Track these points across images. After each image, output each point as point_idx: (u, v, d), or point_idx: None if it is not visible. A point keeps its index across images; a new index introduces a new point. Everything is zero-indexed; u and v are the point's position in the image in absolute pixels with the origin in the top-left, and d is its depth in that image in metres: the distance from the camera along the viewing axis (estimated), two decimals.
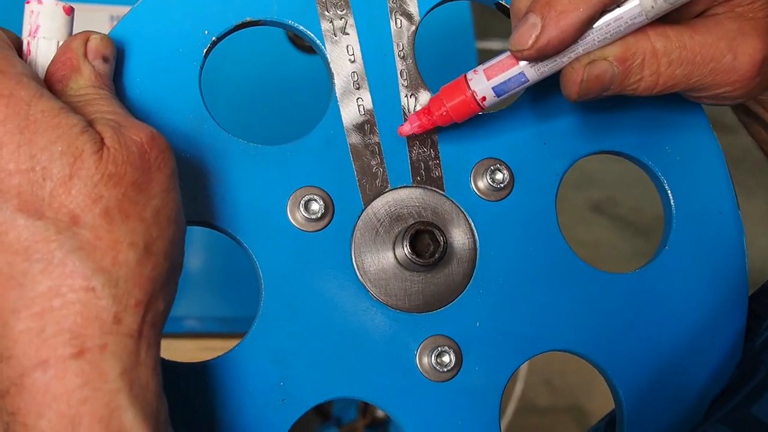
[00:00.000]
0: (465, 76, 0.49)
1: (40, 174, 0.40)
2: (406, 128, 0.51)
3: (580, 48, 0.47)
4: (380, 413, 1.42)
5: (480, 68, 0.49)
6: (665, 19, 0.47)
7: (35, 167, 0.40)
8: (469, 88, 0.49)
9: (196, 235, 1.07)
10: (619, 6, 0.45)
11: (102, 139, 0.42)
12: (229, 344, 0.51)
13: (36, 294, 0.40)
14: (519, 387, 1.65)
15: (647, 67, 0.47)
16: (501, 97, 0.49)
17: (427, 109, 0.50)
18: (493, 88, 0.48)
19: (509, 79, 0.48)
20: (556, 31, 0.45)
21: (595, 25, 0.46)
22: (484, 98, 0.48)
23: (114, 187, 0.41)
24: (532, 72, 0.48)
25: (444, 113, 0.50)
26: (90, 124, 0.42)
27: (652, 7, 0.45)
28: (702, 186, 0.56)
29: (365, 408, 1.41)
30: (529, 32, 0.46)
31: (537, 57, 0.47)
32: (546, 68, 0.47)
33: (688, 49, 0.47)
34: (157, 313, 0.42)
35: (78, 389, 0.39)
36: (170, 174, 0.44)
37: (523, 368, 1.62)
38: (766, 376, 0.47)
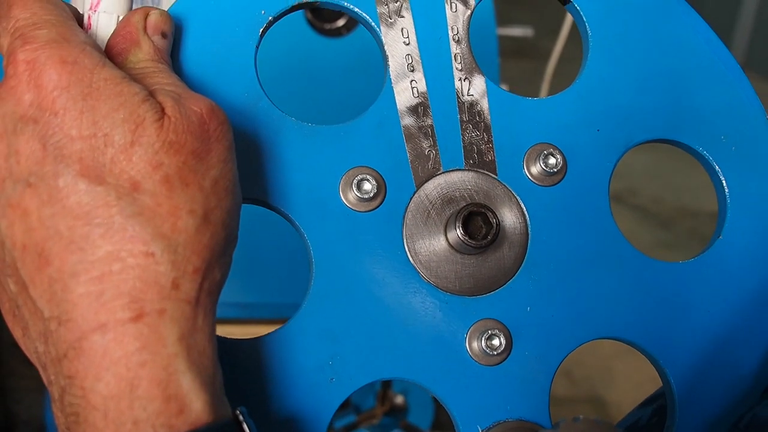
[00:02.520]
0: None
1: (101, 140, 0.41)
2: None
3: None
4: (399, 400, 1.42)
5: None
6: None
7: (97, 134, 0.41)
8: None
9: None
10: None
11: (163, 109, 0.42)
12: (250, 330, 0.51)
13: (96, 258, 0.40)
14: None
15: None
16: None
17: None
18: None
19: None
20: None
21: None
22: None
23: (174, 155, 0.42)
24: None
25: None
26: (151, 94, 0.43)
27: None
28: (757, 176, 0.56)
29: (384, 395, 1.41)
30: None
31: None
32: None
33: None
34: (213, 282, 0.43)
35: (137, 352, 0.40)
36: (228, 146, 0.44)
37: None
38: None
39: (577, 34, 0.59)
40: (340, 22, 1.11)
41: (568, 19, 1.53)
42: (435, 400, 1.55)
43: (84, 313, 0.40)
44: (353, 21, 1.10)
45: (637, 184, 3.34)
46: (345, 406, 1.46)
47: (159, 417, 0.39)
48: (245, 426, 0.42)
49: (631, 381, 2.29)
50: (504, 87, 1.22)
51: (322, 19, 1.11)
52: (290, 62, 1.10)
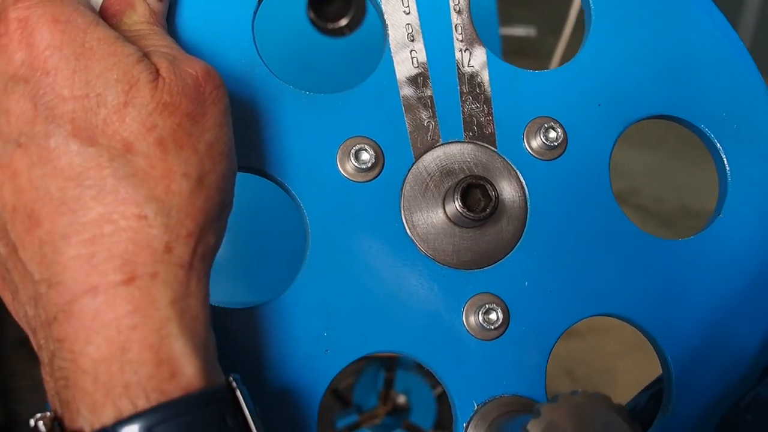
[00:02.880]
0: None
1: (94, 101, 0.40)
2: None
3: None
4: (401, 400, 1.42)
5: None
6: None
7: (89, 94, 0.40)
8: None
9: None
10: None
11: (157, 70, 0.42)
12: None
13: (87, 220, 0.39)
14: None
15: None
16: None
17: None
18: None
19: None
20: None
21: None
22: None
23: (169, 116, 0.41)
24: None
25: None
26: (145, 56, 0.42)
27: None
28: (759, 155, 0.55)
29: (386, 395, 1.40)
30: None
31: None
32: None
33: None
34: (207, 247, 0.42)
35: (128, 315, 0.39)
36: (224, 109, 0.44)
37: None
38: None
39: (579, 33, 0.58)
40: (343, 22, 1.10)
41: (571, 18, 1.52)
42: (437, 400, 1.55)
43: (74, 275, 0.39)
44: (356, 20, 1.10)
45: (639, 184, 3.34)
46: (347, 405, 1.46)
47: (150, 381, 0.39)
48: (238, 393, 0.41)
49: (633, 380, 2.30)
50: (521, 29, 1.22)
51: (324, 18, 1.10)
52: (292, 61, 1.10)
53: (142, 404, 0.38)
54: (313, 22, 1.11)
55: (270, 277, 1.08)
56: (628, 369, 2.31)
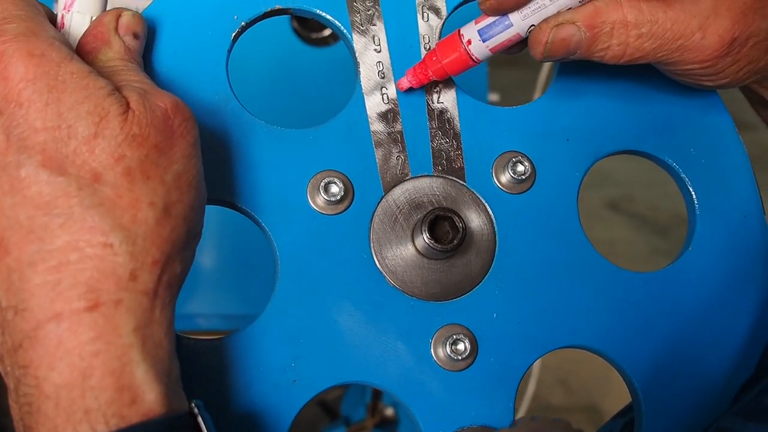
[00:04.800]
0: (458, 29, 0.50)
1: (65, 132, 0.41)
2: (404, 82, 0.53)
3: (552, 6, 0.48)
4: (389, 412, 1.41)
5: (473, 20, 0.51)
6: None
7: (61, 125, 0.41)
8: (461, 36, 0.50)
9: (207, 235, 1.08)
10: None
11: (128, 103, 0.43)
12: None
13: (54, 248, 0.40)
14: (532, 386, 1.64)
15: (616, 37, 0.49)
16: (487, 42, 0.50)
17: (422, 63, 0.51)
18: (478, 31, 0.50)
19: (494, 22, 0.49)
20: None
21: None
22: (469, 41, 0.50)
23: (137, 147, 0.42)
24: (517, 18, 0.49)
25: (438, 65, 0.51)
26: (117, 89, 0.43)
27: None
28: (726, 189, 0.56)
29: (374, 407, 1.40)
30: None
31: (498, 8, 0.49)
32: (531, 12, 0.49)
33: (659, 24, 0.48)
34: (173, 275, 0.43)
35: (91, 342, 0.40)
36: (192, 142, 0.45)
37: (536, 367, 1.62)
38: None
39: None
40: (327, 32, 1.12)
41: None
42: None
43: (40, 302, 0.40)
44: None
45: (634, 192, 3.37)
46: (335, 417, 1.46)
47: (111, 407, 0.39)
48: (200, 419, 0.42)
49: (627, 391, 2.30)
50: (495, 96, 1.23)
51: (308, 28, 1.12)
52: (276, 71, 1.11)
53: (102, 429, 0.39)
54: (296, 32, 1.13)
55: (254, 288, 1.10)
56: (622, 380, 2.31)
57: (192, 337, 0.49)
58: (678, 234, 3.26)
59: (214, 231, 1.10)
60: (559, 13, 0.48)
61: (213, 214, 1.02)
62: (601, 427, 0.62)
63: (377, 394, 1.41)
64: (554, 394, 2.44)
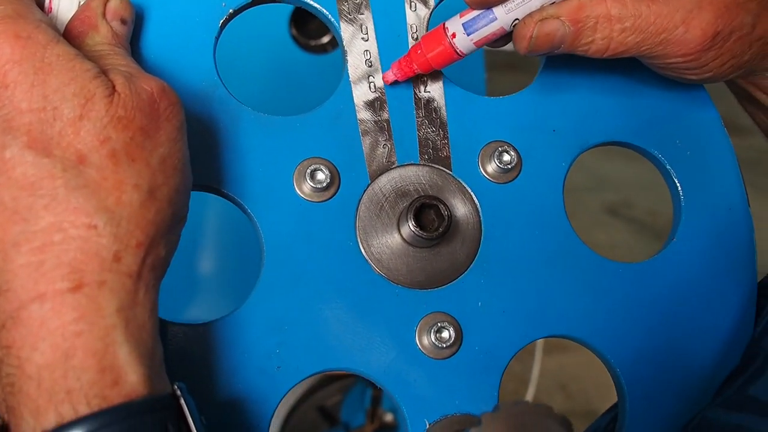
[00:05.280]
0: (443, 23, 0.51)
1: (51, 113, 0.41)
2: (389, 75, 0.53)
3: (536, 1, 0.49)
4: (388, 418, 1.41)
5: (458, 14, 0.51)
6: None
7: (47, 107, 0.41)
8: (445, 29, 0.50)
9: (207, 238, 1.08)
10: None
11: (114, 86, 0.43)
12: None
13: (38, 228, 0.40)
14: (532, 391, 1.65)
15: (599, 31, 0.49)
16: (471, 35, 0.50)
17: (407, 56, 0.52)
18: (463, 24, 0.50)
19: (478, 15, 0.50)
20: None
21: None
22: (454, 34, 0.50)
23: (122, 130, 0.42)
24: (501, 11, 0.49)
25: (423, 58, 0.51)
26: (104, 73, 0.44)
27: None
28: (712, 181, 0.56)
29: (373, 413, 1.40)
30: None
31: (482, 2, 0.49)
32: (515, 6, 0.49)
33: (642, 18, 0.48)
34: (157, 258, 0.43)
35: (73, 322, 0.40)
36: (178, 125, 0.45)
37: (536, 372, 1.62)
38: (764, 361, 0.47)
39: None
40: (325, 39, 1.12)
41: None
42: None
43: (24, 282, 0.40)
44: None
45: (632, 196, 3.37)
46: (334, 423, 1.46)
47: (93, 387, 0.39)
48: (182, 401, 0.42)
49: None
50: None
51: (306, 35, 1.12)
52: (274, 78, 1.11)
53: (83, 410, 0.39)
54: (295, 39, 1.13)
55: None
56: None
57: (179, 322, 0.49)
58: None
59: (214, 236, 1.10)
60: (543, 8, 0.49)
61: (213, 221, 1.02)
62: (589, 425, 0.63)
63: (376, 400, 1.41)
64: (554, 399, 2.45)
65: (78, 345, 0.40)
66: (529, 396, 1.65)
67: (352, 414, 1.45)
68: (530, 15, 0.49)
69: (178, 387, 0.42)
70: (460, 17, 0.50)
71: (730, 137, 0.58)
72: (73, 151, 0.41)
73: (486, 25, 0.49)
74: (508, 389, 2.40)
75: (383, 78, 0.53)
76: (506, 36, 0.50)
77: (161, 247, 0.44)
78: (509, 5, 0.49)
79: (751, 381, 0.46)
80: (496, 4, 0.49)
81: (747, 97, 0.58)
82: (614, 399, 0.54)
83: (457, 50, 0.50)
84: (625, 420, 0.53)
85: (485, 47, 0.52)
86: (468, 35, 0.50)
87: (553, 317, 0.54)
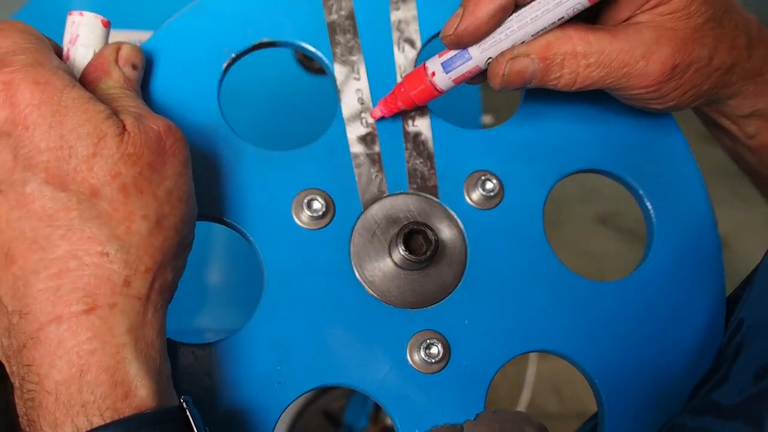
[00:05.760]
0: (424, 63, 0.53)
1: (67, 152, 0.43)
2: (376, 112, 0.55)
3: (507, 41, 0.50)
4: (390, 421, 1.43)
5: (437, 54, 0.53)
6: (591, 23, 0.51)
7: (63, 146, 0.43)
8: (426, 69, 0.52)
9: (217, 253, 1.10)
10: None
11: (124, 125, 0.45)
12: None
13: (55, 256, 0.42)
14: (527, 395, 1.65)
15: (567, 66, 0.51)
16: (449, 73, 0.51)
17: (392, 94, 0.54)
18: (441, 64, 0.52)
19: (455, 55, 0.51)
20: (472, 19, 0.49)
21: (514, 16, 0.49)
22: (433, 73, 0.52)
23: (132, 165, 0.44)
24: (476, 51, 0.51)
25: (406, 96, 0.53)
26: (115, 113, 0.46)
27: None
28: (681, 204, 0.58)
29: (376, 415, 1.41)
30: (454, 21, 0.50)
31: (457, 42, 0.50)
32: (488, 47, 0.51)
33: (605, 54, 0.50)
34: (164, 282, 0.45)
35: (87, 341, 0.42)
36: (183, 161, 0.47)
37: (531, 377, 1.63)
38: (727, 369, 0.48)
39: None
40: None
41: None
42: None
43: (42, 306, 0.42)
44: None
45: (621, 206, 3.38)
46: (338, 426, 1.47)
47: (105, 400, 0.41)
48: (188, 413, 0.44)
49: None
50: (488, 117, 1.25)
51: (310, 57, 1.14)
52: (279, 101, 1.14)
53: (97, 421, 0.41)
54: (300, 62, 1.14)
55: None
56: None
57: (187, 342, 0.51)
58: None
59: (222, 251, 1.12)
60: (514, 47, 0.50)
61: (221, 235, 1.04)
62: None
63: (378, 404, 1.42)
64: (549, 402, 2.46)
65: (92, 362, 0.42)
66: (524, 399, 1.66)
67: (355, 417, 1.46)
68: (502, 54, 0.51)
69: (184, 400, 0.44)
70: (439, 57, 0.52)
71: (711, 148, 0.60)
72: (87, 186, 0.43)
73: (462, 64, 0.52)
74: (504, 393, 2.41)
75: (371, 114, 0.55)
76: (482, 73, 0.52)
77: (168, 272, 0.46)
78: (483, 45, 0.51)
79: (716, 387, 0.47)
80: (471, 45, 0.51)
81: (712, 123, 0.60)
82: None
83: (437, 87, 0.53)
84: (604, 428, 0.55)
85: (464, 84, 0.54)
86: (446, 74, 0.52)
87: (534, 333, 0.55)
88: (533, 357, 1.72)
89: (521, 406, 1.65)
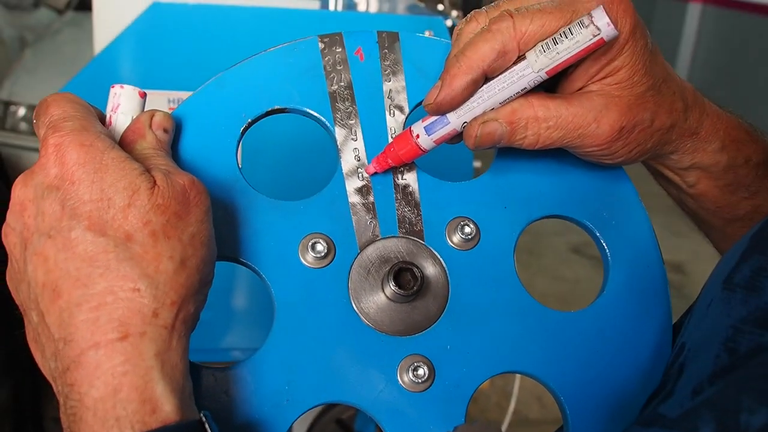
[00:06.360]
0: (410, 127, 0.55)
1: (106, 203, 0.45)
2: (370, 168, 0.57)
3: (479, 108, 0.52)
4: None
5: (420, 119, 0.55)
6: (552, 91, 0.54)
7: (103, 198, 0.45)
8: (411, 132, 0.55)
9: (241, 279, 1.12)
10: (502, 73, 0.51)
11: (155, 180, 0.47)
12: None
13: (95, 292, 0.44)
14: (513, 403, 1.65)
15: (530, 129, 0.53)
16: (431, 135, 0.54)
17: (383, 153, 0.56)
18: (424, 127, 0.54)
19: (435, 120, 0.54)
20: (448, 90, 0.52)
21: (484, 87, 0.52)
22: (418, 135, 0.54)
23: (161, 214, 0.46)
24: (453, 117, 0.53)
25: (395, 155, 0.56)
26: (147, 170, 0.48)
27: (531, 72, 0.50)
28: (631, 245, 0.59)
29: None
30: (434, 91, 0.53)
31: (437, 110, 0.53)
32: (463, 113, 0.53)
33: (563, 118, 0.52)
34: (188, 313, 0.47)
35: (121, 364, 0.43)
36: (205, 210, 0.49)
37: (516, 387, 1.63)
38: (672, 385, 0.49)
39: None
40: None
41: None
42: None
43: (83, 334, 0.44)
44: None
45: None
46: None
47: (136, 415, 0.43)
48: (207, 426, 0.45)
49: None
50: (478, 162, 1.26)
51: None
52: (288, 155, 1.16)
53: None
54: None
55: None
56: None
57: (206, 366, 0.53)
58: None
59: (247, 279, 1.13)
60: (484, 113, 0.53)
61: (245, 270, 1.05)
62: None
63: None
64: (531, 410, 2.46)
65: (124, 382, 0.43)
66: (511, 407, 1.66)
67: (364, 425, 1.47)
68: (475, 119, 0.53)
69: (204, 415, 0.45)
70: (422, 122, 0.54)
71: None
72: (123, 232, 0.45)
73: (442, 128, 0.54)
74: (493, 401, 2.40)
75: (366, 170, 0.57)
76: (458, 135, 0.55)
77: (191, 305, 0.47)
78: (458, 112, 0.53)
79: (662, 402, 0.48)
80: (449, 111, 0.53)
81: (659, 174, 0.62)
82: None
83: (421, 147, 0.55)
84: None
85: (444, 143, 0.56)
86: (428, 135, 0.54)
87: (507, 357, 0.56)
88: None
89: (508, 414, 1.66)
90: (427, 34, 1.28)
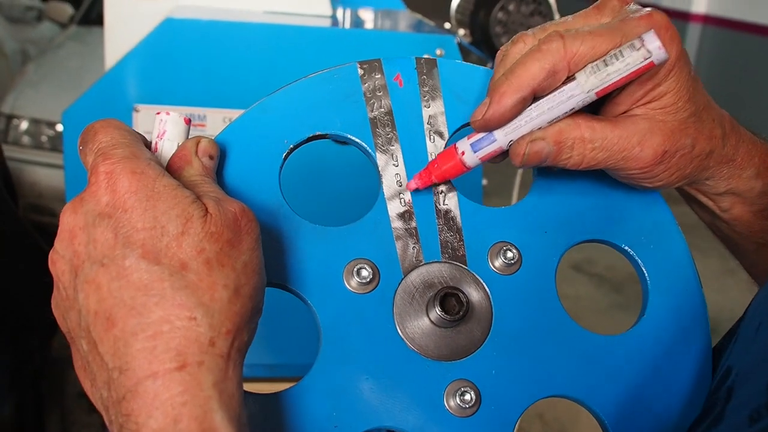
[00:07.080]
0: (455, 143, 0.55)
1: (159, 231, 0.44)
2: (412, 184, 0.56)
3: (526, 126, 0.52)
4: None
5: (466, 137, 0.54)
6: (596, 113, 0.53)
7: (156, 226, 0.44)
8: (456, 148, 0.54)
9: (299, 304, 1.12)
10: (551, 92, 0.51)
11: (206, 208, 0.46)
12: (275, 387, 0.53)
13: (151, 320, 0.43)
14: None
15: (576, 149, 0.52)
16: (477, 153, 0.53)
17: (426, 169, 0.55)
18: (470, 144, 0.54)
19: (482, 138, 0.53)
20: (497, 107, 0.51)
21: (533, 106, 0.51)
22: (463, 152, 0.54)
23: (214, 242, 0.45)
24: (500, 134, 0.52)
25: (439, 171, 0.55)
26: (198, 198, 0.47)
27: (581, 92, 0.50)
28: (670, 268, 0.59)
29: None
30: (482, 108, 0.52)
31: (484, 126, 0.52)
32: (511, 131, 0.52)
33: (608, 140, 0.52)
34: (242, 342, 0.45)
35: (179, 395, 0.42)
36: (256, 238, 0.48)
37: None
38: (721, 409, 0.48)
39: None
40: None
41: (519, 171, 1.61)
42: None
43: (140, 363, 0.42)
44: None
45: (594, 254, 3.40)
46: None
47: None
48: None
49: (593, 423, 2.38)
50: (485, 181, 1.25)
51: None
52: (331, 181, 1.16)
53: None
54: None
55: (288, 341, 1.14)
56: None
57: (258, 393, 0.51)
58: (632, 290, 3.27)
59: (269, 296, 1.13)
60: (532, 132, 0.52)
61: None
62: None
63: None
64: (533, 427, 2.45)
65: (184, 412, 0.42)
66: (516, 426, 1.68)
67: None
68: (522, 137, 0.52)
69: None
70: (468, 139, 0.54)
71: (675, 205, 0.61)
72: (177, 260, 0.44)
73: (488, 145, 0.53)
74: None
75: (407, 186, 0.56)
76: (503, 153, 0.54)
77: (245, 333, 0.46)
78: (506, 129, 0.52)
79: (712, 426, 0.47)
80: (496, 129, 0.52)
81: (693, 199, 0.61)
82: (581, 425, 0.55)
83: (466, 164, 0.54)
84: None
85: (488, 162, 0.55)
86: (474, 153, 0.53)
87: (551, 381, 0.55)
88: None
89: None
90: (438, 52, 1.28)
